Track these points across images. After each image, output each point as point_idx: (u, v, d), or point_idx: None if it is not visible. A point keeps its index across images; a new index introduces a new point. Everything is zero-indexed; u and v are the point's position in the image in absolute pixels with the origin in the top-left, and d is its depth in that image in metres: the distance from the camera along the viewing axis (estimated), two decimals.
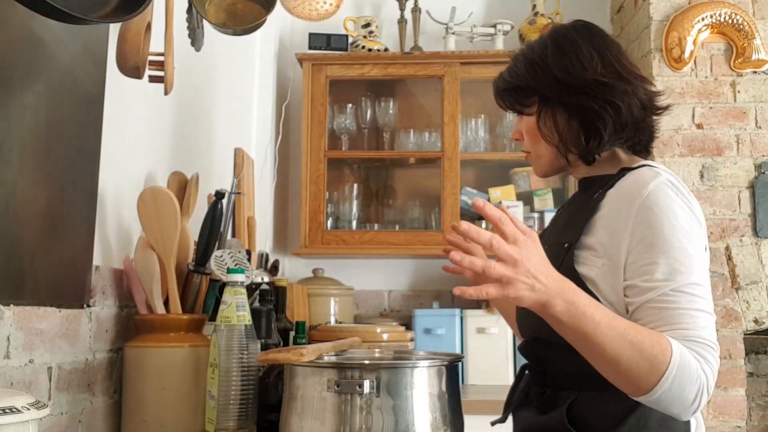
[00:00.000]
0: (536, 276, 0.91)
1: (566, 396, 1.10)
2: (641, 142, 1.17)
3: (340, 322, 2.64)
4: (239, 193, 2.00)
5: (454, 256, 0.90)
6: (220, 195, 1.48)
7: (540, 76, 1.16)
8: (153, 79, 1.34)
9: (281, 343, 1.72)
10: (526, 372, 1.24)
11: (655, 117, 1.17)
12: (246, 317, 1.26)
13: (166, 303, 1.37)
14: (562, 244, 1.12)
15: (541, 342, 1.13)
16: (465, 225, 0.91)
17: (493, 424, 1.26)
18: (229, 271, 1.29)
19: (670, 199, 1.03)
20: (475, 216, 2.80)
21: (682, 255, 1.01)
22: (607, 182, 1.12)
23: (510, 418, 1.24)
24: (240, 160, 2.17)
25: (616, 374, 0.97)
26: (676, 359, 0.94)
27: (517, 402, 1.22)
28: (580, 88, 1.12)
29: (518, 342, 1.28)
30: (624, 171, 1.12)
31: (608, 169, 1.16)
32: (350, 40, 2.88)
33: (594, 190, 1.14)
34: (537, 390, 1.18)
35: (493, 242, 0.90)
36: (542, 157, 1.20)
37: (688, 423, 1.06)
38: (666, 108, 1.17)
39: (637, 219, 1.03)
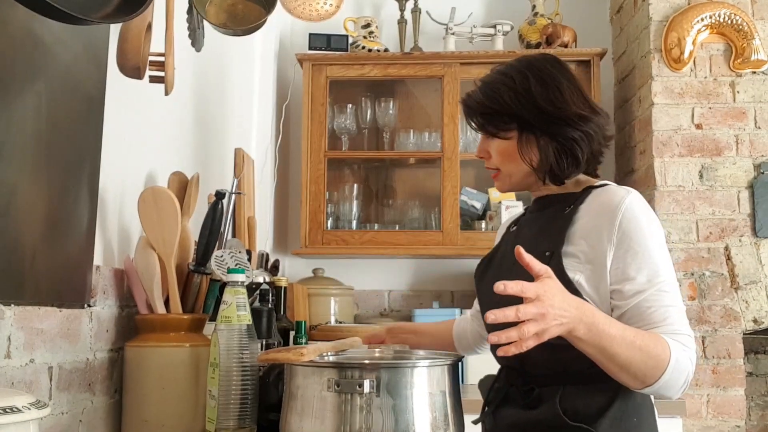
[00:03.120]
0: (562, 314, 1.03)
1: (551, 391, 1.20)
2: (594, 166, 1.32)
3: (340, 322, 2.64)
4: (239, 193, 2.00)
5: (492, 338, 1.01)
6: (220, 195, 1.48)
7: (525, 106, 1.24)
8: (153, 79, 1.34)
9: (281, 343, 1.72)
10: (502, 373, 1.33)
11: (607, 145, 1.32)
12: (246, 317, 1.26)
13: (166, 303, 1.37)
14: (542, 252, 1.20)
15: None
16: (492, 316, 0.99)
17: (474, 423, 1.34)
18: (230, 271, 1.29)
19: (644, 212, 1.18)
20: (475, 216, 2.80)
21: (659, 260, 1.16)
22: (576, 198, 1.24)
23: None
24: (240, 160, 2.18)
25: (624, 374, 1.10)
26: (674, 357, 1.09)
27: (497, 401, 1.29)
28: (564, 119, 1.24)
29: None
30: (589, 189, 1.25)
31: (567, 188, 1.29)
32: (350, 40, 2.89)
33: (560, 206, 1.26)
34: (521, 388, 1.25)
35: (518, 314, 1.00)
36: (514, 175, 1.30)
37: (652, 405, 1.23)
38: (611, 137, 1.33)
39: (620, 230, 1.16)
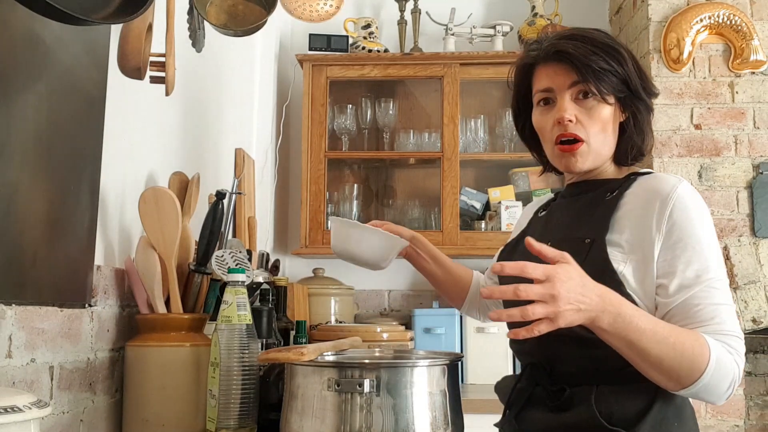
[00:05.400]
0: (579, 299, 0.95)
1: (584, 392, 1.09)
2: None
3: (341, 322, 2.64)
4: (240, 194, 2.00)
5: (492, 316, 0.97)
6: (221, 195, 1.49)
7: (639, 77, 1.18)
8: (154, 79, 1.34)
9: (282, 343, 1.73)
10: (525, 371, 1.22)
11: None
12: (247, 317, 1.26)
13: (167, 303, 1.38)
14: (581, 239, 1.13)
15: (551, 337, 1.04)
16: (487, 291, 0.95)
17: (496, 425, 1.25)
18: (230, 270, 1.30)
19: (696, 202, 1.10)
20: (474, 216, 2.80)
21: (710, 254, 1.08)
22: (620, 184, 1.17)
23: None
24: (240, 160, 2.18)
25: (657, 373, 1.03)
26: (714, 357, 1.01)
27: (520, 403, 1.18)
28: (651, 98, 1.21)
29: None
30: (635, 175, 1.18)
31: (606, 173, 1.22)
32: (350, 41, 2.89)
33: (600, 191, 1.18)
34: (549, 388, 1.14)
35: (518, 293, 0.93)
36: (601, 150, 1.18)
37: (692, 408, 1.14)
38: None
39: (671, 220, 1.08)
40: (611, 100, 1.16)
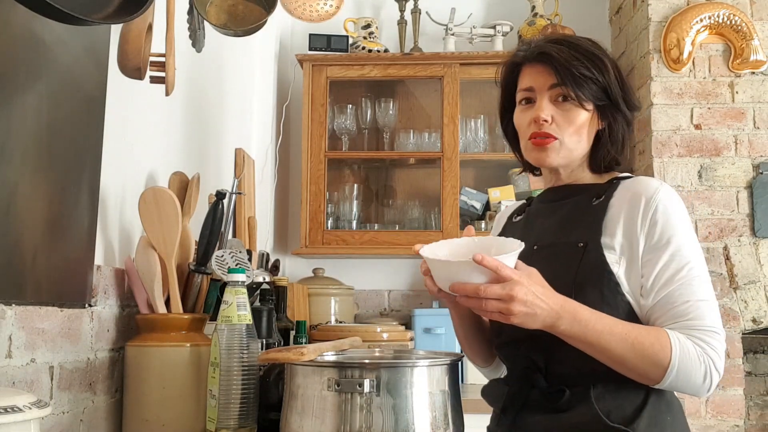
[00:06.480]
0: (535, 302, 1.02)
1: (582, 392, 1.12)
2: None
3: (341, 322, 2.64)
4: (240, 194, 2.00)
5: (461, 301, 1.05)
6: (221, 195, 1.49)
7: (620, 88, 1.21)
8: (154, 79, 1.34)
9: (282, 343, 1.73)
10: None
11: None
12: (247, 317, 1.26)
13: (167, 303, 1.38)
14: (574, 243, 1.16)
15: (547, 340, 1.10)
16: (456, 286, 1.03)
17: (489, 429, 1.26)
18: (230, 270, 1.30)
19: (677, 204, 1.15)
20: (474, 216, 2.80)
21: (689, 252, 1.12)
22: (606, 189, 1.20)
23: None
24: (240, 160, 2.18)
25: (626, 371, 1.08)
26: (677, 352, 1.06)
27: (516, 407, 1.18)
28: (633, 108, 1.24)
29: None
30: (617, 180, 1.21)
31: (587, 178, 1.24)
32: (350, 41, 2.89)
33: (584, 196, 1.21)
34: (546, 390, 1.15)
35: (479, 290, 1.01)
36: (573, 150, 1.21)
37: (680, 403, 1.19)
38: None
39: (653, 221, 1.12)
40: (589, 106, 1.20)
